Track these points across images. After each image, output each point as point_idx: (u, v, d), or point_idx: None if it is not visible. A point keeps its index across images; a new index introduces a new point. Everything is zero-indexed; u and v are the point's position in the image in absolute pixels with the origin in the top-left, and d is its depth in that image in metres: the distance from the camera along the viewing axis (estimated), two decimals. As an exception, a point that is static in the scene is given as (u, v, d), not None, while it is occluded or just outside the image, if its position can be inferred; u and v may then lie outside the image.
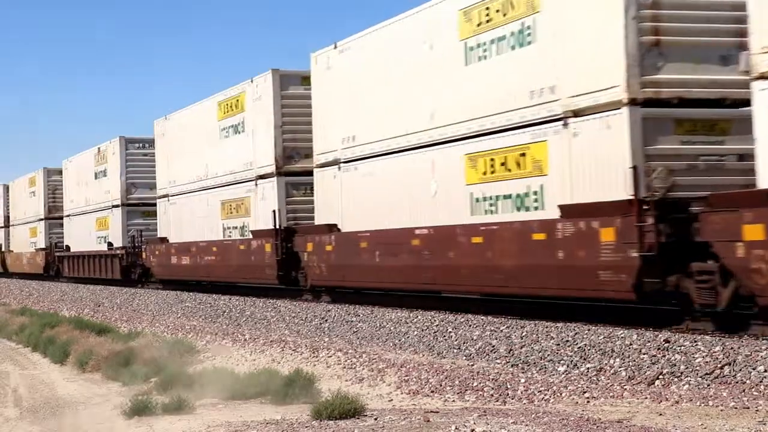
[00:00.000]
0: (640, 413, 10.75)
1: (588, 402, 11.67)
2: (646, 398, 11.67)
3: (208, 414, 12.57)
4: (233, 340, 19.34)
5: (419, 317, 19.62)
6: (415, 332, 18.06)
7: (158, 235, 36.95)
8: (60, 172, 53.24)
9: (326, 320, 21.24)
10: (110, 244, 42.08)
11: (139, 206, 41.45)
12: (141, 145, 41.73)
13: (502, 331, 16.63)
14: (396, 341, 17.68)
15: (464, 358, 15.66)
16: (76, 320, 25.33)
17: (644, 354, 13.54)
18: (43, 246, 54.65)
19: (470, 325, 17.53)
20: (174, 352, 17.95)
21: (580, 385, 12.55)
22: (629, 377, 12.99)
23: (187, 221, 34.11)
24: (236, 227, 30.29)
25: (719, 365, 12.46)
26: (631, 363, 13.40)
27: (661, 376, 12.70)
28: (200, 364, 17.44)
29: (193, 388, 14.61)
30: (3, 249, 65.12)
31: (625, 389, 12.29)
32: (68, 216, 50.48)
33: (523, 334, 16.07)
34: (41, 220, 55.71)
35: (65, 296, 37.48)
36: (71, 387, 17.07)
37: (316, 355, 16.26)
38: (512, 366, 14.57)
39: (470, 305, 20.52)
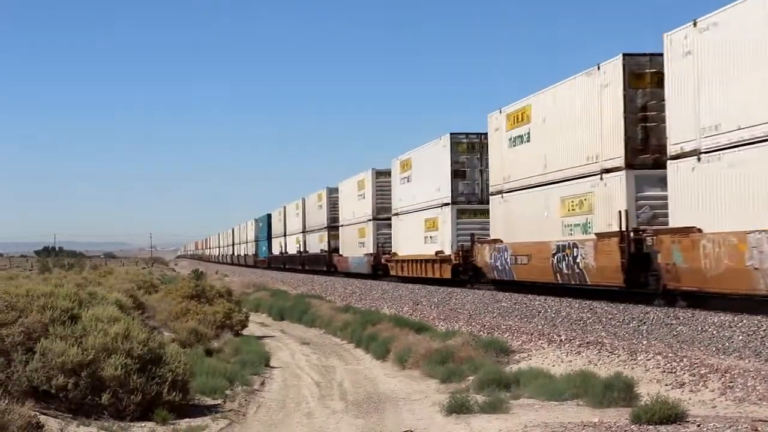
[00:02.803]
0: None
1: None
2: None
3: (524, 414, 12.57)
4: (549, 341, 19.25)
5: (744, 321, 18.67)
6: (740, 337, 17.21)
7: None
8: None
9: (644, 322, 20.68)
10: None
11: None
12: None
13: (837, 337, 15.51)
14: (719, 346, 16.91)
15: (795, 365, 14.72)
16: (396, 318, 26.15)
17: None
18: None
19: (801, 331, 16.49)
20: (490, 352, 18.11)
21: None
22: None
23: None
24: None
25: None
26: None
27: None
28: (516, 364, 17.49)
29: (509, 387, 14.69)
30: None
31: None
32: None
33: None
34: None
35: (386, 294, 38.76)
36: (392, 383, 17.63)
37: (634, 358, 15.85)
38: None
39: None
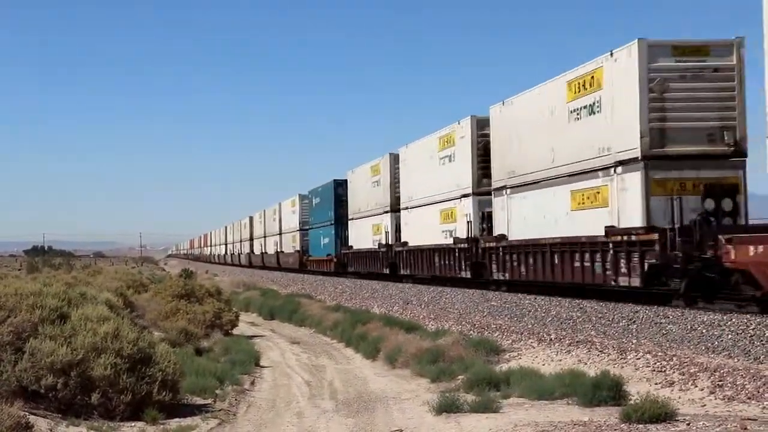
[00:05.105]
0: None
1: None
2: None
3: (514, 413, 12.59)
4: (539, 340, 19.27)
5: (733, 320, 18.74)
6: (730, 336, 17.26)
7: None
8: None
9: (634, 321, 20.73)
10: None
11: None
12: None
13: (826, 336, 15.55)
14: (708, 344, 16.96)
15: (784, 364, 14.76)
16: (386, 317, 26.14)
17: None
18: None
19: (790, 329, 16.54)
20: (480, 351, 18.13)
21: None
22: None
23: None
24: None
25: None
26: None
27: None
28: (506, 363, 17.51)
29: (499, 386, 14.71)
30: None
31: None
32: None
33: None
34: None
35: (376, 294, 38.74)
36: (382, 382, 17.63)
37: (623, 357, 15.89)
38: (839, 374, 13.56)
39: None
